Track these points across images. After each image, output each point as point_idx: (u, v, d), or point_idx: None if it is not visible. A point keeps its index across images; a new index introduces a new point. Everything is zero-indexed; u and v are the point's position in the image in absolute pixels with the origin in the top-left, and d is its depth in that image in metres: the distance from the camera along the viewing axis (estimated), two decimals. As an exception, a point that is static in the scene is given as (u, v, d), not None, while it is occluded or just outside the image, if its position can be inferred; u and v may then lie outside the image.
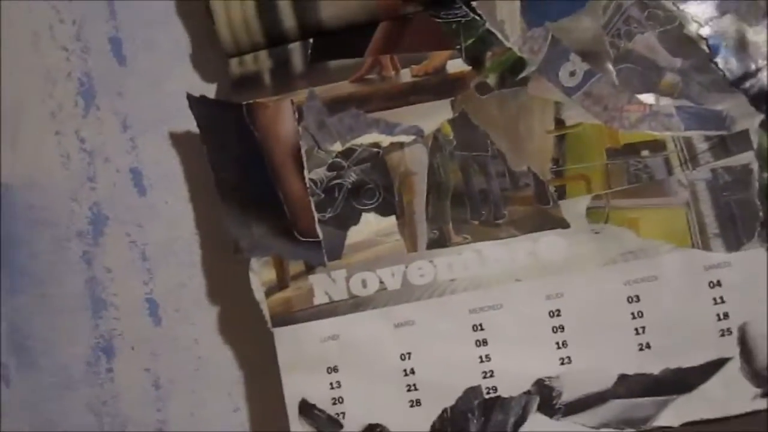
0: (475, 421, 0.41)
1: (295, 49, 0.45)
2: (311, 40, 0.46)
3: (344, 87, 0.44)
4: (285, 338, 0.44)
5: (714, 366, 0.42)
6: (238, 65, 0.46)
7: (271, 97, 0.46)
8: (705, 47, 0.42)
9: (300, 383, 0.44)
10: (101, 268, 0.48)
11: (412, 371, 0.42)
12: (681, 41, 0.42)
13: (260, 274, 0.43)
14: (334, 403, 0.42)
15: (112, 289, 0.48)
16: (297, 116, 0.45)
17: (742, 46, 0.42)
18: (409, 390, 0.42)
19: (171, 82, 0.48)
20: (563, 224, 0.43)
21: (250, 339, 0.45)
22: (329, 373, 0.42)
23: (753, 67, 0.42)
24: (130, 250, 0.48)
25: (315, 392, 0.44)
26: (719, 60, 0.42)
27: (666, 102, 0.42)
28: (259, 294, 0.43)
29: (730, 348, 0.42)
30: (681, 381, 0.41)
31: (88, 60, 0.48)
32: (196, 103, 0.46)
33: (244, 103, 0.46)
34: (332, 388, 0.42)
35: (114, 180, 0.48)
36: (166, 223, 0.49)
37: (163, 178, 0.49)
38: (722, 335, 0.40)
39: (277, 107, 0.44)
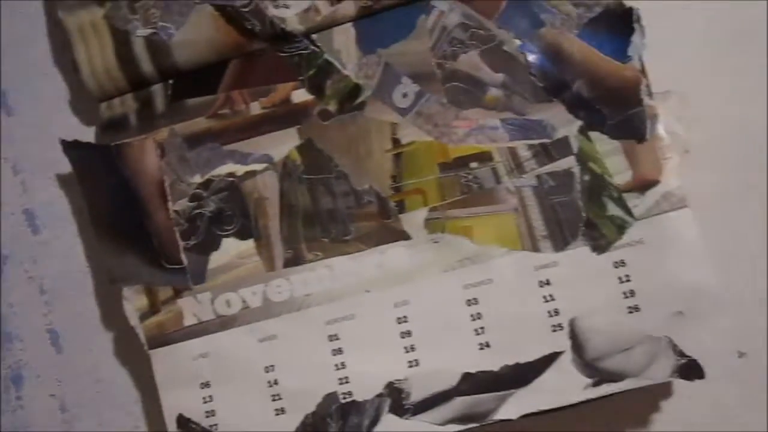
0: (333, 424, 0.41)
1: (157, 90, 0.44)
2: (170, 82, 0.45)
3: (201, 123, 0.44)
4: (161, 358, 0.43)
5: (548, 360, 0.41)
6: (107, 109, 0.45)
7: (137, 136, 0.46)
8: (523, 61, 0.40)
9: (176, 399, 0.45)
10: (5, 304, 0.47)
11: (276, 382, 0.41)
12: (501, 57, 0.41)
13: (133, 301, 0.42)
14: (208, 416, 0.42)
15: (16, 323, 0.47)
16: (160, 153, 0.43)
17: (558, 58, 0.41)
18: (274, 399, 0.41)
19: (55, 128, 0.49)
20: (405, 236, 0.43)
21: (144, 360, 0.46)
22: (202, 388, 0.42)
23: (569, 77, 0.40)
24: (29, 285, 0.47)
25: (190, 407, 0.44)
26: (537, 72, 0.40)
27: (491, 115, 0.40)
28: (133, 319, 0.42)
29: (562, 342, 0.42)
30: (519, 376, 0.40)
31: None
32: (70, 147, 0.46)
33: (113, 144, 0.46)
34: (205, 402, 0.42)
35: (10, 221, 0.47)
36: (59, 257, 0.50)
37: (53, 216, 0.49)
38: (554, 330, 0.40)
39: (142, 146, 0.43)
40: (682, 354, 0.39)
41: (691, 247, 0.40)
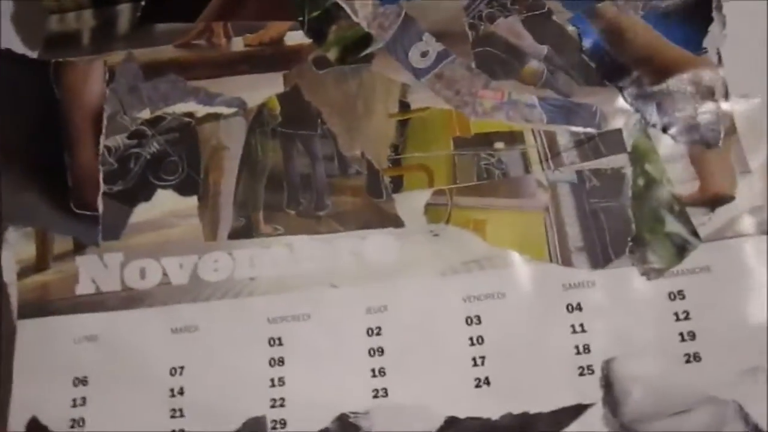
0: None
1: (124, 10, 0.31)
2: (143, 2, 0.32)
3: (166, 51, 0.28)
4: (29, 334, 0.28)
5: (570, 413, 0.26)
6: (58, 22, 0.33)
7: (87, 56, 0.32)
8: (575, 36, 0.25)
9: (35, 395, 0.27)
10: None
11: (182, 391, 0.23)
12: (548, 28, 0.26)
13: (17, 249, 0.23)
14: (73, 426, 0.22)
15: None
16: (108, 78, 0.31)
17: (618, 39, 0.25)
18: (173, 416, 0.23)
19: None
20: (397, 222, 0.29)
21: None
22: (75, 385, 0.25)
23: (628, 62, 0.25)
24: None
25: (51, 409, 0.27)
26: (589, 52, 0.25)
27: (528, 90, 0.24)
28: (9, 273, 0.23)
29: (592, 391, 0.26)
30: (526, 430, 0.20)
31: None
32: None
33: (52, 60, 0.32)
34: (74, 405, 0.23)
35: None
36: None
37: None
38: (582, 374, 0.26)
39: (88, 67, 0.29)
40: (756, 428, 0.22)
41: (773, 285, 0.24)
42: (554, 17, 0.30)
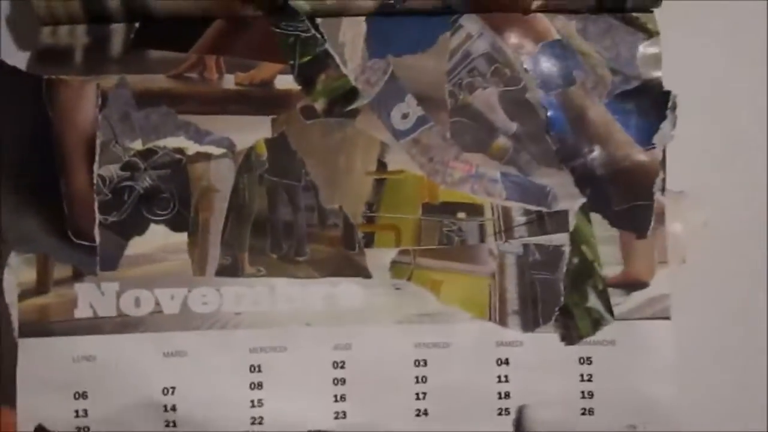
0: None
1: (118, 30, 0.31)
2: (136, 25, 0.31)
3: (159, 81, 0.27)
4: (31, 350, 0.30)
5: None
6: (50, 35, 0.31)
7: (78, 76, 0.30)
8: (543, 116, 0.25)
9: (40, 406, 0.30)
10: None
11: (174, 407, 0.26)
12: (521, 105, 0.27)
13: (18, 272, 0.24)
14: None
15: None
16: (100, 103, 0.30)
17: (580, 123, 0.26)
18: (167, 426, 0.24)
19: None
20: (365, 273, 0.32)
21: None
22: (76, 398, 0.30)
23: (585, 147, 0.26)
24: None
25: (56, 419, 0.30)
26: (554, 132, 0.26)
27: (493, 166, 0.25)
28: (11, 295, 0.24)
29: (505, 428, 0.31)
30: None
31: None
32: None
33: (45, 76, 0.30)
34: (77, 416, 0.27)
35: None
36: None
37: None
38: (500, 414, 0.29)
39: (81, 88, 0.28)
40: None
41: (662, 361, 0.29)
42: (527, 95, 0.31)
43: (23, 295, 0.29)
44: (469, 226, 0.31)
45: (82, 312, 0.30)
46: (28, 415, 0.29)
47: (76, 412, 0.29)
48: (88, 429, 0.30)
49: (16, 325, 0.29)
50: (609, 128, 0.31)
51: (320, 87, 0.31)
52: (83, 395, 0.29)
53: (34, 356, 0.29)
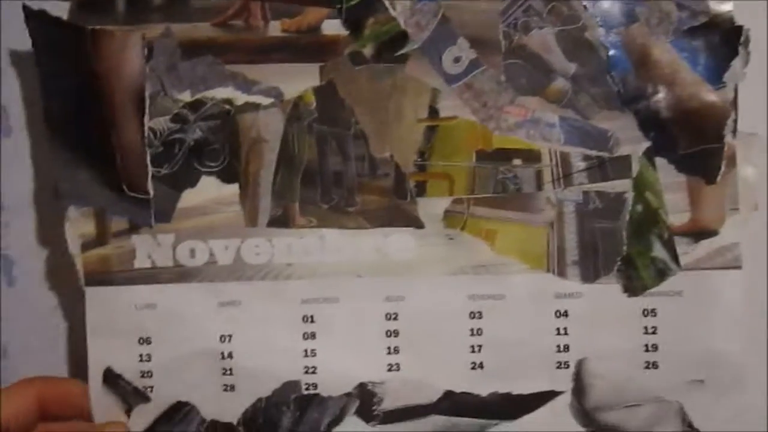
0: (289, 415, 0.28)
1: None
2: None
3: (204, 29, 0.27)
4: (97, 300, 0.31)
5: (544, 397, 0.32)
6: None
7: (122, 26, 0.31)
8: (604, 56, 0.25)
9: (107, 350, 0.31)
10: None
11: (230, 355, 0.27)
12: (580, 45, 0.26)
13: (78, 225, 0.27)
14: (143, 376, 0.29)
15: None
16: (146, 53, 0.31)
17: (643, 63, 0.25)
18: (224, 373, 0.27)
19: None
20: (417, 223, 0.31)
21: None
22: (141, 344, 0.32)
23: (650, 88, 0.25)
24: None
25: (123, 362, 0.31)
26: (616, 73, 0.25)
27: (551, 109, 0.25)
28: (74, 247, 0.26)
29: (564, 382, 0.31)
30: (507, 407, 0.31)
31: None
32: (34, 17, 0.31)
33: (90, 27, 0.30)
34: (141, 360, 0.31)
35: None
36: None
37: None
38: (559, 367, 0.30)
39: (126, 39, 0.28)
40: (690, 426, 0.27)
41: (731, 313, 0.28)
42: (586, 34, 0.30)
43: (85, 247, 0.30)
44: (526, 173, 0.30)
45: (141, 262, 0.31)
46: (97, 359, 0.30)
47: (140, 356, 0.31)
48: (151, 373, 0.31)
49: (81, 274, 0.30)
50: (675, 67, 0.30)
51: (368, 31, 0.30)
52: (147, 341, 0.31)
53: (99, 304, 0.30)
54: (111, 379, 0.31)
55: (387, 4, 0.30)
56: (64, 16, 0.31)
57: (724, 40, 0.29)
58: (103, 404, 0.31)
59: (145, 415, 0.31)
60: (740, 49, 0.29)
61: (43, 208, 0.33)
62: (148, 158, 0.31)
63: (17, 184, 0.34)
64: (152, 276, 0.31)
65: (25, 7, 0.30)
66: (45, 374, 0.31)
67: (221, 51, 0.31)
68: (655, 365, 0.30)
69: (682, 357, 0.30)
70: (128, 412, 0.31)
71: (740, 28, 0.29)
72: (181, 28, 0.31)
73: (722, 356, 0.30)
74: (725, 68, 0.29)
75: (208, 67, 0.31)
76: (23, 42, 0.31)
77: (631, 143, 0.30)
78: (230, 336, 0.31)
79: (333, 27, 0.31)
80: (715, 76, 0.29)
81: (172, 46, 0.31)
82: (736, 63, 0.29)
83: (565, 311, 0.31)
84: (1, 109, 0.33)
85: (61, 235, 0.31)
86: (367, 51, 0.30)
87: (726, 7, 0.29)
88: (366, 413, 0.31)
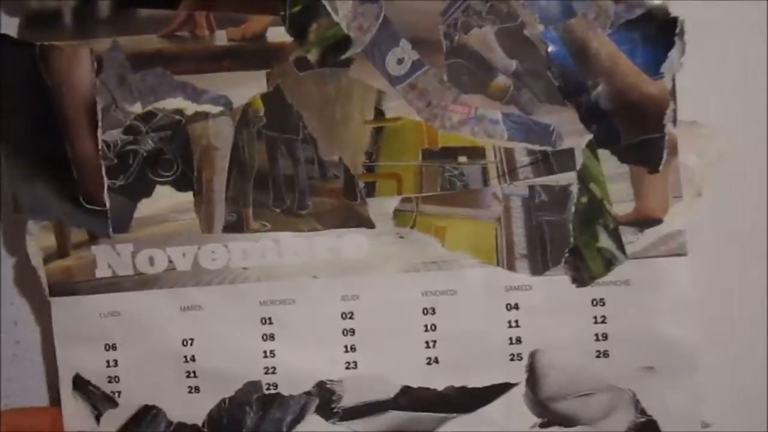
0: (252, 415, 0.30)
1: None
2: None
3: (152, 41, 0.30)
4: (63, 309, 0.35)
5: (499, 389, 0.34)
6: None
7: (70, 41, 0.33)
8: (543, 52, 0.27)
9: (75, 357, 0.34)
10: None
11: (193, 358, 0.30)
12: (519, 42, 0.29)
13: (39, 239, 0.29)
14: (110, 381, 0.32)
15: None
16: (96, 67, 0.30)
17: (583, 57, 0.27)
18: (188, 376, 0.30)
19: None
20: (369, 223, 0.34)
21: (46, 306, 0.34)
22: (107, 350, 0.33)
23: (590, 81, 0.27)
24: None
25: (90, 368, 0.34)
26: (555, 68, 0.27)
27: (493, 106, 0.27)
28: (36, 260, 0.29)
29: (518, 373, 0.34)
30: (463, 400, 0.33)
31: None
32: None
33: (38, 43, 0.33)
34: (108, 366, 0.32)
35: None
36: None
37: None
38: (512, 359, 0.31)
39: (74, 53, 0.30)
40: (643, 412, 0.30)
41: (679, 300, 0.30)
42: (525, 31, 0.32)
43: (47, 259, 0.33)
44: (471, 169, 0.33)
45: (102, 272, 0.33)
46: (66, 366, 0.33)
47: (107, 362, 0.33)
48: (118, 378, 0.33)
49: (45, 285, 0.33)
50: (614, 60, 0.32)
51: (313, 37, 0.33)
52: (112, 347, 0.33)
53: (65, 313, 0.33)
54: (80, 385, 0.34)
55: (329, 8, 0.32)
56: (14, 32, 0.34)
57: (661, 32, 0.31)
58: (74, 410, 0.34)
59: (114, 419, 0.34)
60: (676, 40, 0.31)
61: (5, 220, 0.36)
62: (104, 170, 0.33)
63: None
64: (114, 284, 0.33)
65: (-23, 28, 0.33)
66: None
67: (169, 62, 0.33)
68: (606, 354, 0.32)
69: (633, 345, 0.32)
70: (98, 417, 0.34)
71: (675, 19, 0.31)
72: (128, 40, 0.33)
73: (672, 342, 0.32)
74: (663, 59, 0.31)
75: (157, 79, 0.33)
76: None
77: (574, 136, 0.32)
78: (192, 339, 0.34)
79: (278, 34, 0.33)
80: (654, 68, 0.31)
81: (120, 59, 0.33)
82: (673, 54, 0.31)
83: (516, 304, 0.33)
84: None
85: (23, 246, 0.33)
86: (312, 56, 0.33)
87: (661, -1, 0.31)
88: (326, 411, 0.33)
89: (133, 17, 0.33)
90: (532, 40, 0.31)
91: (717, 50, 0.31)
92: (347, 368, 0.33)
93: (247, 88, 0.33)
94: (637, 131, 0.31)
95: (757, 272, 0.32)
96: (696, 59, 0.31)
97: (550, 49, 0.31)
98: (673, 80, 0.31)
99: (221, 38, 0.33)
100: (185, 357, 0.33)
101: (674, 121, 0.31)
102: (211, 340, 0.33)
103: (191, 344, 0.33)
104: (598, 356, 0.32)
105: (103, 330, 0.33)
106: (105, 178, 0.33)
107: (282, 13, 0.32)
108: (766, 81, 0.32)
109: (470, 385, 0.33)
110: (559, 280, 0.32)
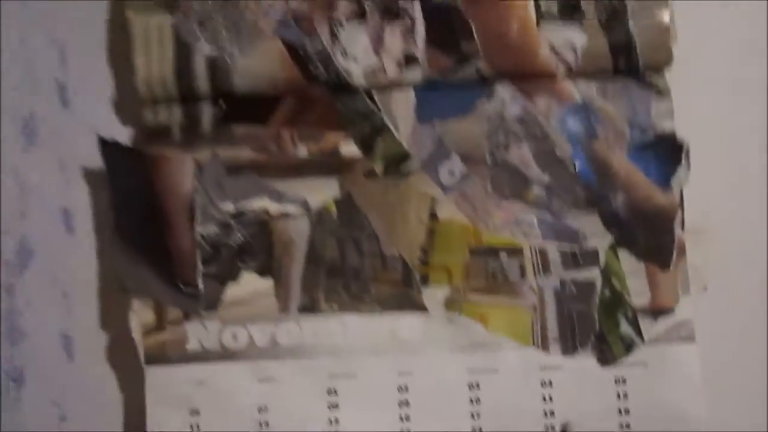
0: None
1: (206, 109, 0.41)
2: (221, 102, 0.40)
3: (245, 153, 0.35)
4: (156, 376, 0.40)
5: None
6: (151, 115, 0.38)
7: (177, 150, 0.40)
8: (572, 168, 0.34)
9: (163, 419, 0.39)
10: (23, 300, 0.41)
11: (267, 424, 0.35)
12: (551, 159, 0.35)
13: (140, 315, 0.34)
14: None
15: (31, 322, 0.41)
16: (197, 173, 0.35)
17: (605, 173, 0.34)
18: None
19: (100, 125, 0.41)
20: (423, 308, 0.40)
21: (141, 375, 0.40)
22: (191, 415, 0.36)
23: (611, 193, 0.34)
24: (53, 286, 0.41)
25: (176, 430, 0.39)
26: (582, 181, 0.34)
27: (530, 211, 0.33)
28: (136, 333, 0.35)
29: None
30: None
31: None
32: (107, 146, 0.41)
33: (151, 154, 0.40)
34: (192, 429, 0.34)
35: (47, 217, 0.41)
36: (89, 262, 0.41)
37: (90, 218, 0.41)
38: (546, 430, 0.33)
39: (180, 161, 0.36)
40: None
41: (689, 380, 0.36)
42: (556, 150, 0.38)
43: (146, 332, 0.39)
44: (511, 264, 0.39)
45: (192, 345, 0.39)
46: (154, 427, 0.38)
47: (191, 426, 0.38)
48: (201, 439, 0.39)
49: (142, 356, 0.39)
50: (631, 175, 0.38)
51: (378, 152, 0.40)
52: (196, 412, 0.38)
53: (157, 380, 0.38)
54: (166, 446, 0.39)
55: (392, 128, 0.39)
56: (127, 140, 0.41)
57: (670, 152, 0.38)
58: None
59: (194, 478, 0.39)
60: (683, 158, 0.38)
61: (105, 298, 0.42)
62: (199, 259, 0.39)
63: (80, 276, 0.42)
64: (202, 357, 0.39)
65: (100, 138, 0.40)
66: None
67: (259, 169, 0.40)
68: (628, 426, 0.37)
69: (651, 419, 0.37)
70: (180, 476, 0.39)
71: (681, 142, 0.38)
72: (225, 151, 0.40)
73: (685, 418, 0.37)
74: (672, 175, 0.38)
75: (247, 183, 0.40)
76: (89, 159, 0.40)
77: (598, 238, 0.38)
78: (266, 406, 0.39)
79: (349, 148, 0.40)
80: (664, 182, 0.38)
81: (218, 167, 0.40)
82: (680, 170, 0.38)
83: (549, 381, 0.38)
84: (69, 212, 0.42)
85: (119, 320, 0.39)
86: (378, 167, 0.39)
87: (669, 125, 0.38)
88: (383, 473, 0.38)
89: (230, 132, 0.40)
90: (561, 158, 0.38)
91: (718, 164, 0.38)
92: (402, 435, 0.38)
93: (322, 192, 0.39)
94: (651, 235, 0.38)
95: (760, 358, 0.38)
96: (700, 172, 0.37)
97: (577, 165, 0.38)
98: (681, 192, 0.38)
99: (302, 151, 0.40)
100: (260, 423, 0.39)
101: (682, 226, 0.38)
102: (283, 408, 0.39)
103: (266, 411, 0.39)
104: (621, 428, 0.37)
105: (189, 396, 0.39)
106: (200, 265, 0.39)
107: (352, 132, 0.39)
108: (765, 189, 0.39)
109: (510, 453, 0.38)
110: (586, 360, 0.38)
